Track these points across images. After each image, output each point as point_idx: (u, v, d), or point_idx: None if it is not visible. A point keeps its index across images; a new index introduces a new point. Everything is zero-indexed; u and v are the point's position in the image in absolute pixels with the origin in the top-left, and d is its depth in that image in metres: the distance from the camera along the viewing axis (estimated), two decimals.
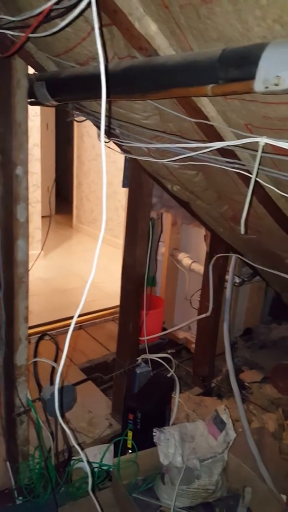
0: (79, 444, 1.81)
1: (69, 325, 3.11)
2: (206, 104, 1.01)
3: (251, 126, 0.97)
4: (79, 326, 2.98)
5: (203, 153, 1.14)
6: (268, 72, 0.60)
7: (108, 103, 1.34)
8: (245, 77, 0.64)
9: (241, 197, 1.47)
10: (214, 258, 2.21)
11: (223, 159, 1.18)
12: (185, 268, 2.83)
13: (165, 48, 0.90)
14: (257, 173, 0.97)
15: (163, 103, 1.15)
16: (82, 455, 1.39)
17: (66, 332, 2.99)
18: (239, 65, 0.65)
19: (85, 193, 5.45)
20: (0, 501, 1.62)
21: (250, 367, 2.56)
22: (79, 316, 3.11)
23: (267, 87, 0.61)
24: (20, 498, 1.62)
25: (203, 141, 1.16)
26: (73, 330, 3.02)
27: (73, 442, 1.17)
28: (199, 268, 2.65)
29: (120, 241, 4.63)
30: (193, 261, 2.76)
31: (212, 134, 1.10)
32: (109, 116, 1.44)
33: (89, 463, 1.64)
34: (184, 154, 1.22)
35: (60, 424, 1.72)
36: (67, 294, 3.59)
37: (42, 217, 4.50)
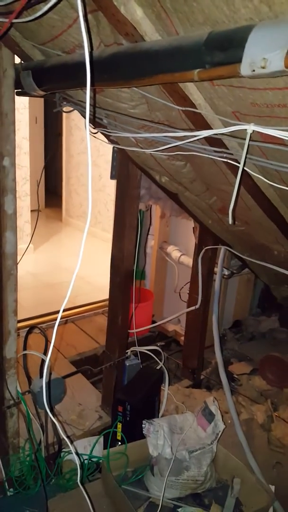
0: (68, 437, 1.81)
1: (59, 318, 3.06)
2: (193, 92, 0.99)
3: (238, 113, 0.96)
4: (69, 320, 2.97)
5: (191, 142, 1.13)
6: (255, 54, 0.59)
7: (94, 92, 1.32)
8: (231, 60, 0.63)
9: (230, 187, 1.46)
10: (203, 250, 2.21)
11: (211, 148, 1.17)
12: (174, 261, 2.82)
13: (152, 34, 0.89)
14: (245, 162, 0.96)
15: (151, 92, 1.14)
16: (71, 448, 1.40)
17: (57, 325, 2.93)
18: (225, 48, 0.64)
19: (74, 186, 5.41)
20: None
21: (239, 359, 2.58)
22: (69, 309, 3.09)
23: (253, 70, 0.60)
24: (11, 490, 1.62)
25: (191, 130, 1.15)
26: (63, 324, 3.00)
27: (62, 434, 1.16)
28: (188, 260, 2.65)
29: (109, 234, 4.61)
30: (182, 253, 2.76)
31: (200, 123, 1.09)
32: (96, 106, 1.42)
33: (78, 455, 1.64)
34: (171, 143, 1.21)
35: (50, 417, 1.72)
36: (56, 288, 3.57)
37: (32, 211, 4.46)
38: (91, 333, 2.84)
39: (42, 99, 5.62)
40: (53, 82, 1.19)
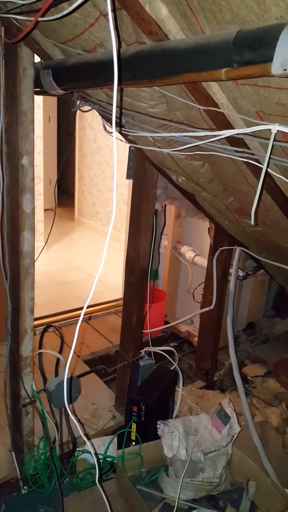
0: (86, 435, 1.81)
1: (72, 317, 3.09)
2: (216, 91, 0.99)
3: (262, 113, 0.95)
4: (83, 319, 2.98)
5: (212, 141, 1.12)
6: (286, 53, 0.58)
7: (113, 90, 1.32)
8: (261, 59, 0.62)
9: (249, 188, 1.45)
10: (218, 251, 2.20)
11: (231, 148, 1.16)
12: (188, 261, 2.81)
13: (176, 32, 0.88)
14: (268, 162, 0.95)
15: (171, 91, 1.13)
16: (89, 447, 1.39)
17: (69, 324, 2.99)
18: (255, 47, 0.63)
19: (87, 186, 5.42)
20: (5, 491, 1.63)
21: (253, 361, 2.56)
22: (82, 308, 3.10)
23: (285, 69, 0.59)
24: (25, 488, 1.63)
25: (212, 130, 1.14)
26: (77, 323, 2.99)
27: (81, 433, 1.17)
28: (202, 261, 2.63)
29: (121, 234, 4.61)
30: (196, 254, 2.75)
31: (221, 122, 1.08)
32: (116, 106, 1.42)
33: (95, 455, 1.64)
34: (191, 143, 1.20)
35: (65, 416, 1.73)
36: (69, 287, 3.58)
37: (45, 210, 4.48)
38: (104, 333, 2.85)
39: (55, 98, 5.66)
40: (74, 81, 1.19)
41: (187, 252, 2.80)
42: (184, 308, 2.99)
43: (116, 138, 1.68)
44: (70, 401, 1.74)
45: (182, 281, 3.04)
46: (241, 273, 2.35)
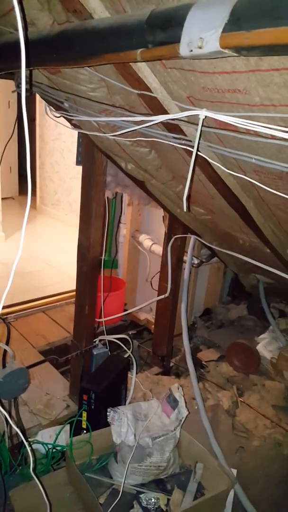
0: (22, 430, 1.79)
1: (29, 308, 3.02)
2: (147, 74, 0.97)
3: (193, 98, 0.94)
4: (40, 309, 2.93)
5: (150, 127, 1.10)
6: (192, 34, 0.57)
7: (51, 73, 1.27)
8: (171, 40, 0.61)
9: (194, 175, 1.45)
10: (172, 239, 2.20)
11: (170, 134, 1.15)
12: (146, 249, 2.81)
13: (101, 12, 0.85)
14: (199, 148, 0.95)
15: (108, 74, 1.11)
16: (40, 437, 1.38)
17: (26, 315, 2.91)
18: (165, 27, 0.61)
19: (49, 173, 5.31)
20: None
21: (208, 346, 2.61)
22: (40, 299, 3.05)
23: (191, 51, 0.58)
24: None
25: (149, 115, 1.13)
26: (34, 314, 2.93)
27: (14, 427, 1.14)
28: (159, 249, 2.64)
29: None
30: (153, 242, 2.75)
31: (157, 108, 1.07)
32: (55, 88, 1.38)
33: (30, 444, 1.63)
34: (129, 128, 1.18)
35: (15, 407, 1.70)
36: (28, 277, 3.51)
37: (3, 199, 4.35)
38: (61, 323, 2.82)
39: (12, 84, 5.46)
40: (6, 61, 1.14)
41: (145, 240, 2.80)
42: (143, 297, 3.00)
43: (61, 123, 1.64)
44: (19, 392, 1.71)
45: (141, 270, 3.04)
46: (195, 261, 2.37)
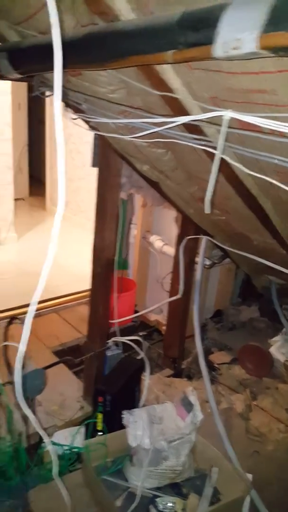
0: (46, 429, 1.79)
1: (40, 308, 3.03)
2: (170, 76, 0.96)
3: (216, 99, 0.94)
4: (52, 310, 2.94)
5: (169, 128, 1.10)
6: (228, 35, 0.56)
7: (72, 75, 1.27)
8: (204, 41, 0.60)
9: (210, 176, 1.44)
10: (185, 240, 2.20)
11: (190, 135, 1.15)
12: (157, 250, 2.81)
13: (127, 13, 0.85)
14: (223, 149, 0.94)
15: (129, 75, 1.10)
16: (56, 439, 1.37)
17: (37, 315, 2.92)
18: (198, 28, 0.61)
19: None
20: None
21: (220, 348, 2.59)
22: (51, 299, 3.05)
23: (226, 52, 0.57)
24: None
25: (170, 116, 1.12)
26: (46, 314, 2.95)
27: (36, 428, 1.14)
28: (171, 250, 2.63)
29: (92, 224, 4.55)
30: (164, 243, 2.74)
31: (178, 108, 1.07)
32: (74, 90, 1.38)
33: (56, 446, 1.63)
34: (149, 129, 1.18)
35: (31, 408, 1.70)
36: (37, 277, 3.51)
37: (16, 199, 4.37)
38: (73, 323, 2.82)
39: (25, 85, 5.48)
40: (28, 64, 1.15)
41: (156, 241, 2.79)
42: (154, 298, 2.99)
43: (78, 124, 1.64)
44: (36, 393, 1.71)
45: (151, 271, 3.04)
46: (207, 262, 2.36)
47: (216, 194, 1.59)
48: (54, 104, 0.70)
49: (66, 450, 1.71)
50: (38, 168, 6.00)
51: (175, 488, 1.57)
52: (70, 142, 4.93)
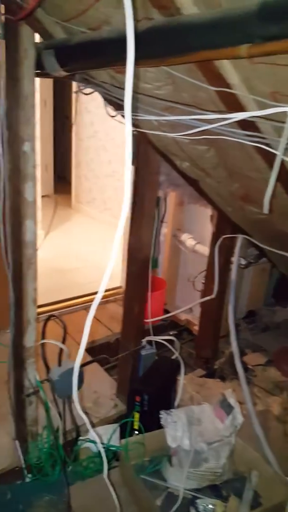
0: (91, 422, 1.80)
1: (71, 305, 3.04)
2: (228, 70, 0.93)
3: (278, 94, 0.90)
4: (82, 307, 2.96)
5: (222, 125, 1.07)
6: None
7: (117, 72, 1.26)
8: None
9: (257, 174, 1.41)
10: (221, 239, 2.16)
11: (242, 131, 1.12)
12: (188, 249, 2.78)
13: (189, 7, 0.82)
14: (273, 145, 0.91)
15: (180, 71, 1.08)
16: (93, 436, 1.36)
17: (69, 312, 2.94)
18: (281, 19, 0.58)
19: (84, 171, 5.34)
20: (10, 479, 1.63)
21: (253, 349, 2.55)
22: (81, 296, 3.07)
23: None
24: (29, 476, 1.62)
25: (221, 112, 1.09)
26: (76, 311, 2.95)
27: (90, 429, 1.15)
28: (204, 249, 2.60)
29: (119, 221, 4.55)
30: (197, 242, 2.71)
31: (233, 104, 1.03)
32: (117, 87, 1.36)
33: (101, 446, 1.63)
34: (199, 126, 1.15)
35: (68, 405, 1.71)
36: (67, 274, 3.54)
37: (42, 196, 4.42)
38: (103, 321, 2.83)
39: (51, 81, 5.51)
40: (78, 61, 1.14)
41: (188, 240, 2.77)
42: (183, 297, 2.97)
43: (118, 121, 1.62)
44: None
45: (181, 269, 3.01)
46: (243, 262, 2.32)
47: (261, 192, 1.56)
48: (125, 106, 0.67)
49: (104, 447, 1.72)
50: (62, 165, 6.04)
51: (214, 490, 1.55)
52: (97, 139, 4.94)
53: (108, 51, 0.99)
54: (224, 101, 1.05)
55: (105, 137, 4.78)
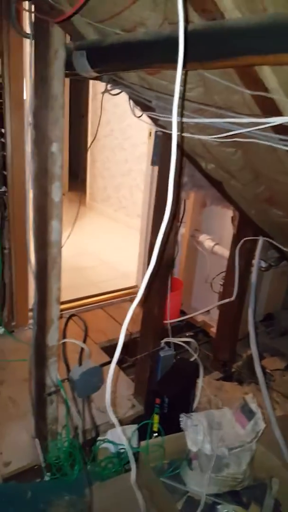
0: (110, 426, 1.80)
1: (88, 304, 3.04)
2: (267, 75, 0.92)
3: None
4: (97, 306, 2.96)
5: (258, 129, 1.05)
6: None
7: (149, 74, 1.25)
8: None
9: (285, 177, 1.39)
10: (242, 241, 2.14)
11: (276, 136, 1.10)
12: (206, 250, 2.76)
13: (231, 11, 0.81)
14: None
15: (214, 74, 1.06)
16: (112, 436, 1.36)
17: (86, 310, 2.94)
18: None
19: (99, 170, 5.34)
20: (29, 477, 1.64)
21: (271, 353, 2.52)
22: (97, 295, 3.07)
23: None
24: (49, 475, 1.63)
25: (255, 116, 1.08)
26: (93, 309, 2.95)
27: (118, 429, 1.16)
28: (222, 250, 2.58)
29: (133, 220, 4.55)
30: (215, 243, 2.69)
31: (269, 108, 1.02)
32: (147, 88, 1.35)
33: (128, 448, 1.63)
34: (233, 130, 1.14)
35: (87, 404, 1.71)
36: (83, 272, 3.55)
37: None
38: (119, 320, 2.83)
39: (67, 80, 5.52)
40: (111, 63, 1.13)
41: (206, 240, 2.75)
42: (200, 298, 2.95)
43: (145, 121, 1.61)
44: (94, 390, 1.72)
45: (199, 270, 2.99)
46: (263, 264, 2.30)
47: (285, 194, 1.54)
48: (173, 108, 0.66)
49: (122, 449, 1.72)
50: (76, 163, 6.04)
51: (235, 496, 1.54)
52: (113, 137, 4.94)
53: (144, 53, 0.98)
54: (260, 105, 1.03)
55: (122, 136, 4.77)
